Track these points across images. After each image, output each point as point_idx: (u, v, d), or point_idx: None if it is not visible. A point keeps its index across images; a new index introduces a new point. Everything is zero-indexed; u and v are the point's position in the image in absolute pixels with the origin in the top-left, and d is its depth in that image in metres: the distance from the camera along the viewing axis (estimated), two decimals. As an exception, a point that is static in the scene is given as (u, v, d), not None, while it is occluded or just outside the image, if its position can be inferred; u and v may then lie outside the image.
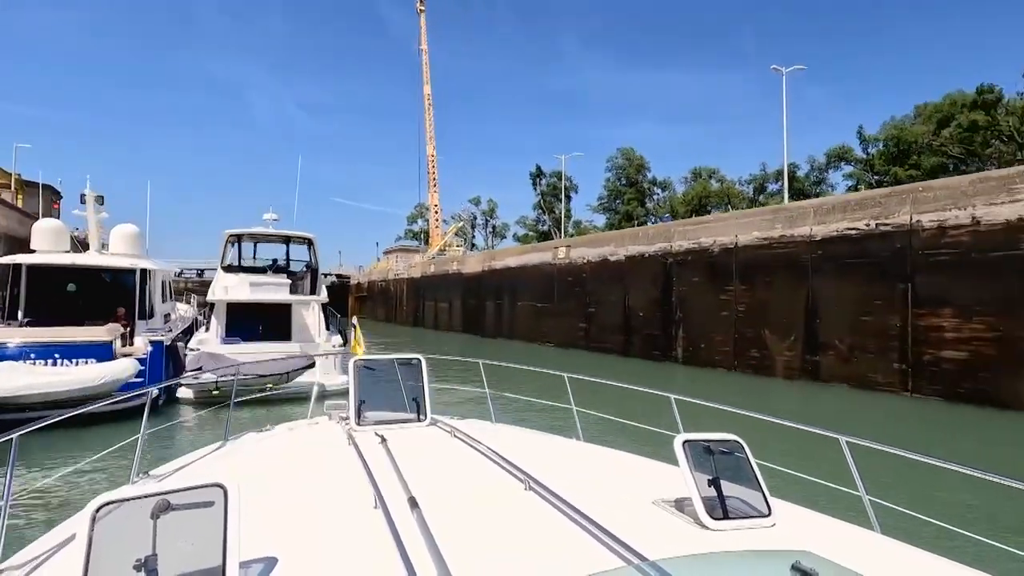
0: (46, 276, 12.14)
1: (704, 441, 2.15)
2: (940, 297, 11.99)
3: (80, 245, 15.39)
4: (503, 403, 4.99)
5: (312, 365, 11.65)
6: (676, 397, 3.51)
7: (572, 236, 39.73)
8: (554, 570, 1.64)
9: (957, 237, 11.79)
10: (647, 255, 20.12)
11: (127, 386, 9.96)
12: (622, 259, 21.36)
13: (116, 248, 14.28)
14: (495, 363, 5.21)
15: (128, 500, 1.44)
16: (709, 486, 2.04)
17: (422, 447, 3.11)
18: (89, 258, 13.24)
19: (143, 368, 10.76)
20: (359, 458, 2.71)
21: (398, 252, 56.40)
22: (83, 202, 14.54)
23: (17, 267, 11.82)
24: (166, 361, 11.57)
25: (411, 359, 3.83)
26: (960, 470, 2.27)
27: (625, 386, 4.32)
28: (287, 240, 16.12)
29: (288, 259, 16.21)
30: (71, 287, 12.82)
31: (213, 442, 3.60)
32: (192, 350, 12.87)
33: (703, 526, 1.95)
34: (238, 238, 15.79)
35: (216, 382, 11.05)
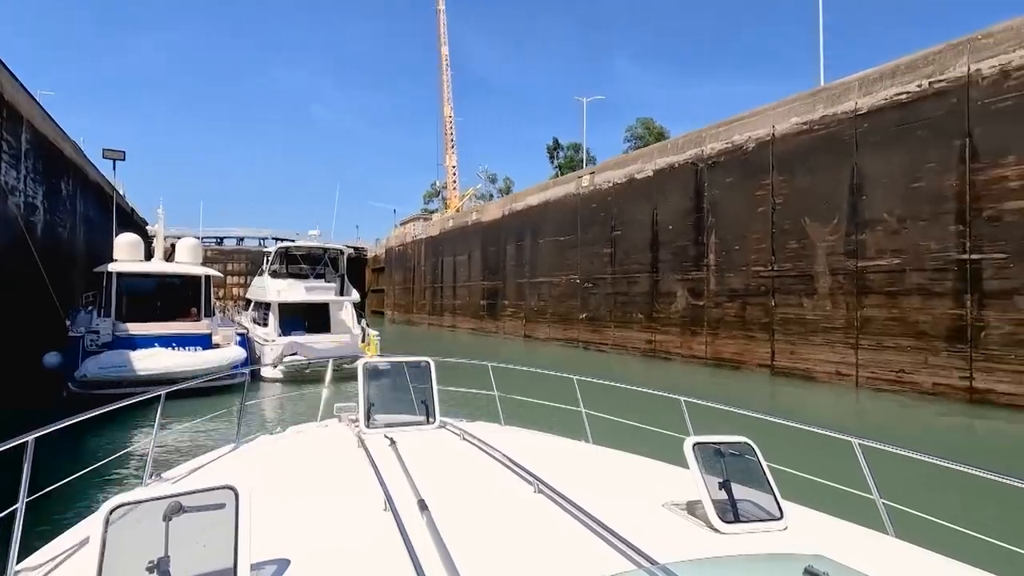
0: (133, 281, 14.54)
1: (714, 443, 2.13)
2: (1002, 147, 11.22)
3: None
4: (512, 405, 5.01)
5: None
6: (686, 399, 3.46)
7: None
8: (564, 573, 1.63)
9: (1021, 79, 11.00)
10: (677, 165, 19.45)
11: (234, 366, 12.86)
12: (650, 174, 20.71)
13: (181, 257, 16.66)
14: (504, 365, 5.30)
15: (141, 502, 1.44)
16: (720, 489, 2.01)
17: (431, 449, 3.10)
18: (168, 266, 15.98)
19: (245, 354, 13.92)
20: (368, 460, 2.72)
21: (415, 220, 56.11)
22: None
23: (110, 274, 14.05)
24: (245, 348, 14.56)
25: (420, 361, 3.85)
26: (977, 473, 2.18)
27: (635, 388, 4.32)
28: (323, 251, 19.31)
29: (325, 267, 18.93)
30: (150, 290, 15.24)
31: (224, 444, 3.60)
32: (266, 341, 15.89)
33: (714, 529, 1.93)
34: (286, 250, 19.13)
35: (309, 363, 13.73)
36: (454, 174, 50.87)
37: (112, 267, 14.17)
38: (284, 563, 1.66)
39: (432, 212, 64.81)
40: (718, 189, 17.79)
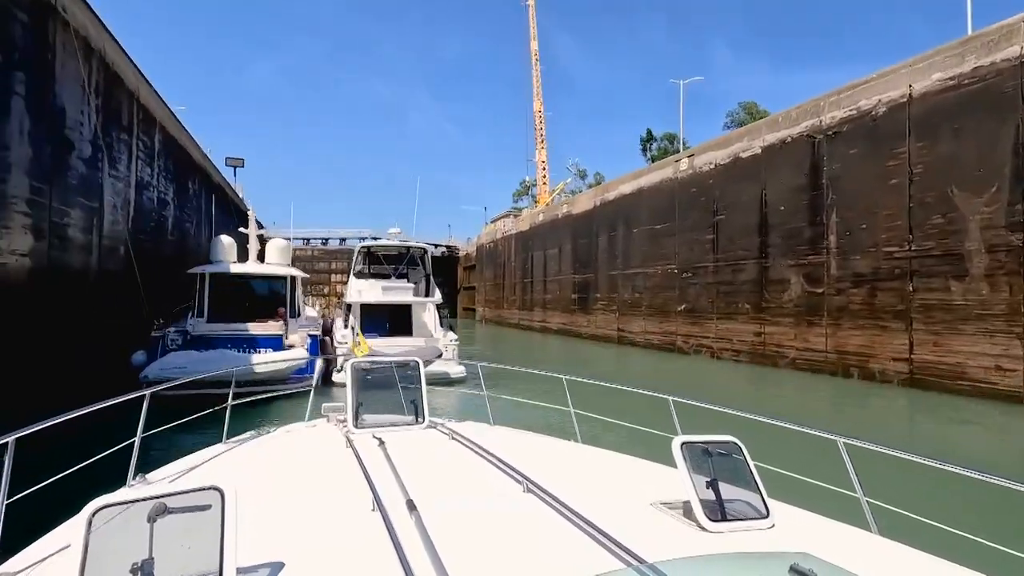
0: (223, 282, 14.60)
1: (702, 443, 2.14)
2: None
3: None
4: (501, 405, 4.97)
5: (440, 355, 13.72)
6: (674, 399, 3.47)
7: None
8: (552, 573, 1.65)
9: None
10: (789, 139, 17.67)
11: (299, 370, 12.33)
12: (757, 152, 19.02)
13: (270, 258, 16.71)
14: (493, 365, 5.37)
15: (124, 503, 1.42)
16: (707, 488, 2.02)
17: (420, 449, 3.10)
18: (254, 267, 15.87)
19: (312, 357, 13.42)
20: (357, 461, 2.71)
21: (505, 218, 56.55)
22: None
23: (203, 275, 14.20)
24: (319, 351, 14.36)
25: (408, 361, 3.85)
26: (958, 471, 2.20)
27: (623, 388, 4.29)
28: (406, 251, 18.58)
29: (408, 267, 18.30)
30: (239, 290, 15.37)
31: (211, 444, 3.58)
32: (340, 343, 15.07)
33: (701, 528, 1.94)
34: (368, 250, 18.62)
35: (371, 366, 13.73)
36: (544, 169, 50.61)
37: (203, 268, 14.46)
38: (271, 564, 1.65)
39: (522, 209, 65.17)
40: (839, 162, 15.88)
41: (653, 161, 55.66)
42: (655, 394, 3.62)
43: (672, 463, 2.13)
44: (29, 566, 1.91)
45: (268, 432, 3.81)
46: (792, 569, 1.49)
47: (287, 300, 14.92)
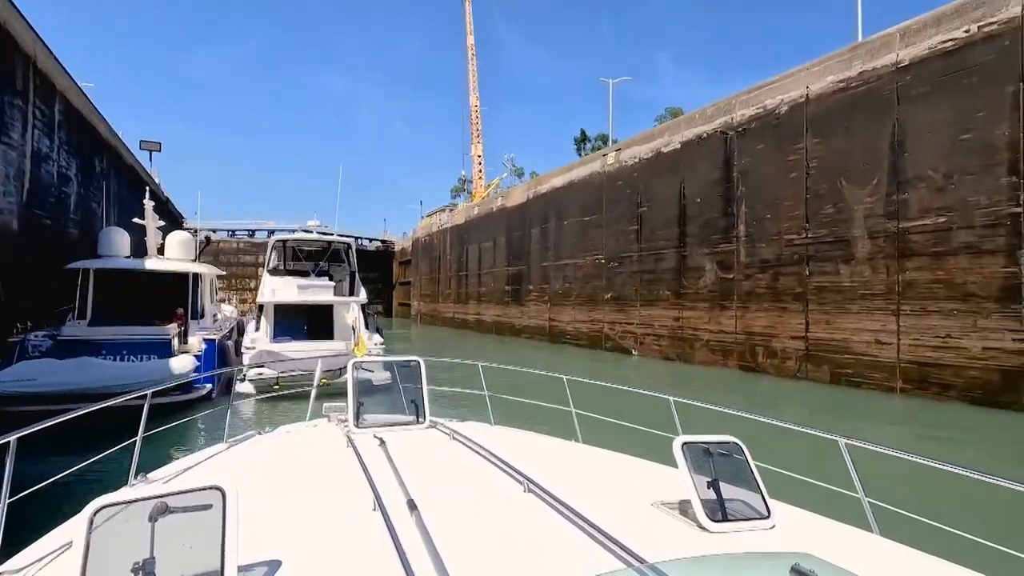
0: (110, 279, 12.97)
1: (703, 443, 2.14)
2: (1061, 89, 10.38)
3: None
4: (502, 405, 5.00)
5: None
6: (675, 399, 3.48)
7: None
8: (553, 573, 1.64)
9: (1083, 13, 10.16)
10: (705, 135, 18.81)
11: (200, 378, 11.02)
12: (677, 147, 20.10)
13: (171, 253, 15.37)
14: (494, 365, 5.23)
15: (126, 503, 1.43)
16: (708, 488, 2.03)
17: (421, 449, 3.11)
18: (148, 263, 14.13)
19: (199, 364, 11.68)
20: (358, 460, 2.72)
21: (441, 212, 56.28)
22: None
23: (85, 271, 12.66)
24: (217, 357, 12.68)
25: (409, 361, 3.86)
26: (959, 472, 2.22)
27: (624, 388, 4.33)
28: (328, 245, 17.10)
29: (329, 263, 16.82)
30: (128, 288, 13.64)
31: (212, 444, 3.58)
32: (247, 348, 13.76)
33: (702, 528, 1.95)
34: (284, 243, 16.87)
35: (277, 377, 11.88)
36: (480, 164, 50.88)
37: (85, 263, 12.82)
38: (272, 564, 1.65)
39: (457, 204, 64.97)
40: (748, 157, 17.11)
41: (587, 160, 57.35)
42: (656, 394, 3.63)
43: (673, 463, 2.14)
44: (31, 564, 1.90)
45: (269, 432, 3.80)
46: (793, 569, 1.48)
47: (188, 300, 13.53)
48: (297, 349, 13.34)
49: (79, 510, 1.42)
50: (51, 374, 9.53)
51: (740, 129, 17.41)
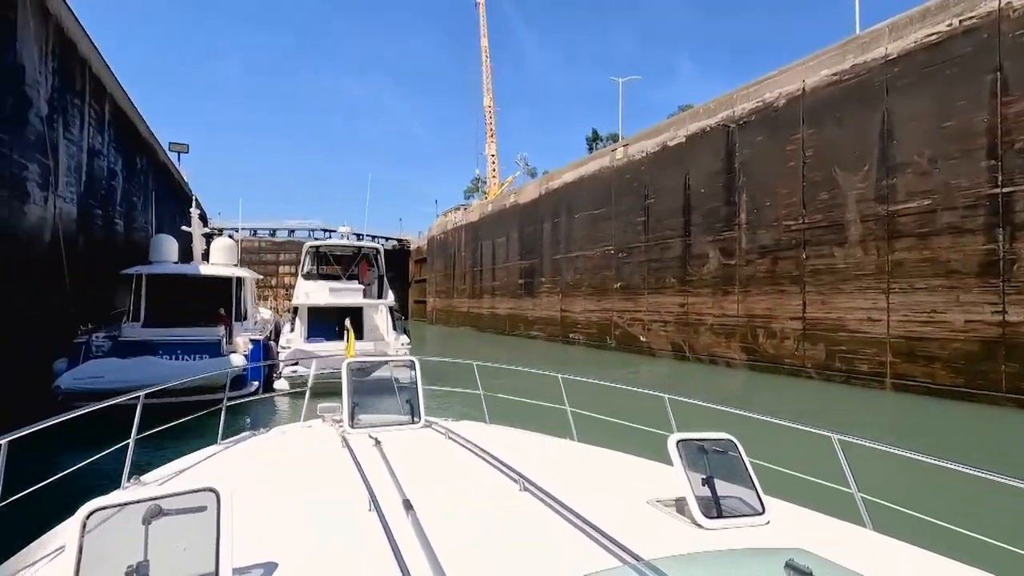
0: (161, 283, 13.78)
1: (698, 440, 2.17)
2: (1034, 77, 11.14)
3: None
4: (497, 404, 5.00)
5: (387, 362, 13.36)
6: (670, 396, 3.48)
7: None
8: (549, 571, 1.65)
9: (1053, 6, 10.92)
10: (708, 129, 19.68)
11: (246, 377, 12.02)
12: (682, 140, 20.99)
13: (215, 258, 16.24)
14: (489, 364, 5.23)
15: (119, 506, 1.41)
16: (703, 485, 2.05)
17: (416, 449, 3.12)
18: (197, 268, 15.06)
19: (248, 363, 12.47)
20: (353, 461, 2.71)
21: (456, 210, 57.49)
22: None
23: (139, 276, 13.49)
24: (263, 356, 13.49)
25: (405, 361, 3.90)
26: (952, 467, 2.25)
27: (619, 386, 4.35)
28: (358, 251, 18.03)
29: (361, 267, 17.52)
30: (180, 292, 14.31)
31: (206, 445, 3.57)
32: (283, 348, 14.75)
33: (698, 525, 1.97)
34: (316, 249, 17.84)
35: (309, 374, 12.48)
36: (494, 163, 52.04)
37: (139, 269, 13.65)
38: (267, 566, 1.64)
39: (472, 203, 66.21)
40: (748, 148, 17.95)
41: (599, 159, 58.22)
42: (651, 392, 3.63)
43: (668, 461, 2.15)
44: (23, 569, 1.89)
45: (263, 433, 3.79)
46: (788, 565, 1.49)
47: (232, 303, 14.37)
48: (329, 349, 13.99)
49: (72, 513, 1.40)
50: (118, 371, 10.19)
51: (741, 122, 18.26)
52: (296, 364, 13.25)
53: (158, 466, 3.16)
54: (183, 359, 12.02)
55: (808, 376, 15.53)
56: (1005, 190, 11.51)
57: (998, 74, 11.70)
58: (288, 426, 4.01)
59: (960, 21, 12.45)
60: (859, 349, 14.31)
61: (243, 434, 3.80)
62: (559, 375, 4.51)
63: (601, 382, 4.45)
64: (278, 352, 14.79)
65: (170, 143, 39.72)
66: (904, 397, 12.98)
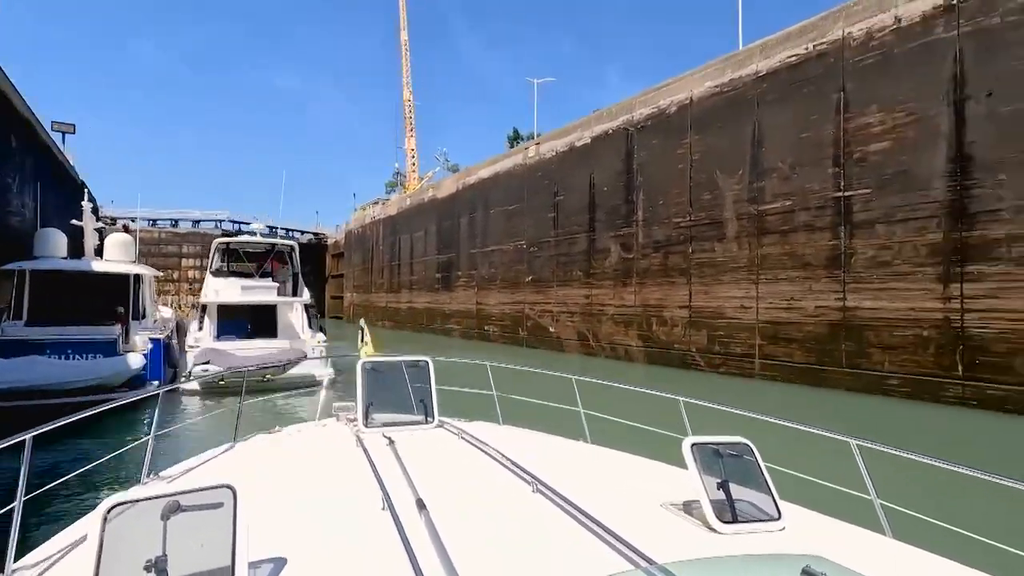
0: (48, 280, 12.94)
1: (713, 444, 2.16)
2: (868, 98, 13.06)
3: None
4: (510, 405, 5.00)
5: (304, 358, 13.40)
6: (685, 399, 3.48)
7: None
8: (562, 573, 1.65)
9: (882, 39, 12.87)
10: (611, 131, 21.01)
11: (134, 378, 11.51)
12: (588, 141, 22.23)
13: (110, 255, 15.36)
14: (502, 365, 5.35)
15: (138, 501, 1.46)
16: (718, 489, 2.04)
17: (430, 449, 3.15)
18: (88, 264, 14.16)
19: (147, 363, 12.12)
20: (367, 460, 2.75)
21: (374, 205, 56.59)
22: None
23: (21, 272, 12.59)
24: (164, 356, 13.14)
25: (418, 361, 3.90)
26: (974, 474, 2.21)
27: (633, 388, 4.33)
28: (272, 248, 17.63)
29: (272, 265, 17.28)
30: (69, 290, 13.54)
31: (222, 443, 3.59)
32: (191, 347, 14.21)
33: (712, 529, 1.96)
34: (227, 246, 17.30)
35: (222, 375, 12.21)
36: (413, 158, 51.79)
37: (23, 265, 12.77)
38: (281, 562, 1.67)
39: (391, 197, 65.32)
40: (645, 151, 19.40)
41: (519, 158, 59.43)
42: (665, 395, 3.60)
43: (682, 464, 2.13)
44: (46, 559, 1.94)
45: (278, 431, 3.82)
46: (804, 572, 1.47)
47: (129, 301, 13.68)
48: (241, 347, 13.82)
49: (93, 507, 1.44)
50: (2, 372, 9.73)
51: (639, 126, 19.69)
52: (207, 363, 13.01)
53: (176, 463, 3.21)
54: (74, 359, 11.47)
55: (696, 363, 17.12)
56: (846, 193, 13.40)
57: (842, 93, 13.59)
58: (302, 424, 4.07)
59: (814, 46, 14.29)
60: (734, 334, 16.01)
61: (258, 432, 3.84)
62: (573, 377, 4.50)
63: (615, 384, 4.47)
64: (186, 351, 14.41)
65: (53, 122, 36.28)
66: (767, 384, 14.76)
